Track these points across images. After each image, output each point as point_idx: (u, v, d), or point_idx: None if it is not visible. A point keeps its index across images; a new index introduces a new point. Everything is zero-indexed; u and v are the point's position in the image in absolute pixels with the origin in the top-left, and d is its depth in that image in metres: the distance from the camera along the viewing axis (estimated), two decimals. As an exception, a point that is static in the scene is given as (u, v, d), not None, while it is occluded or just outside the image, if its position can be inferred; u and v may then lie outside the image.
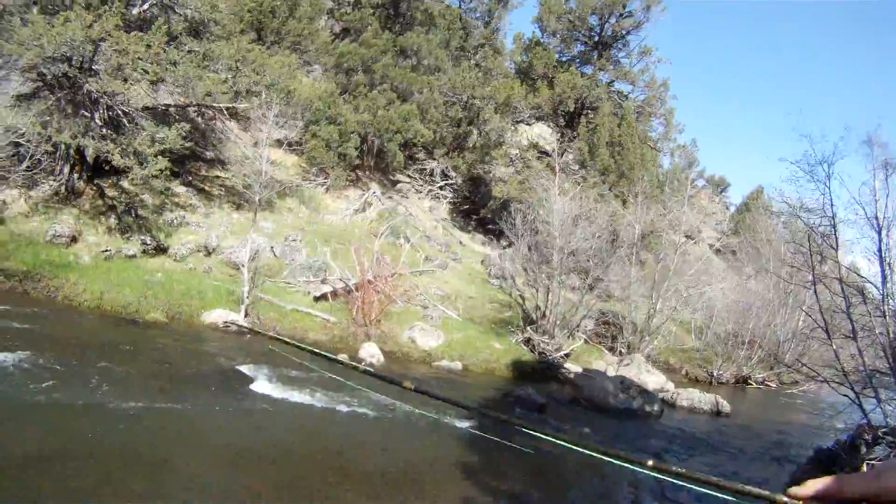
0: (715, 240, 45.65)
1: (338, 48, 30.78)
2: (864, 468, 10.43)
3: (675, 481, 1.24)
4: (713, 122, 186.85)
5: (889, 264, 12.01)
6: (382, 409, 13.98)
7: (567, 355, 23.59)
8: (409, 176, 34.26)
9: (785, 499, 1.04)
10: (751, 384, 30.32)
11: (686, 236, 32.88)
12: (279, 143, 24.04)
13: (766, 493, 1.09)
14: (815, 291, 13.96)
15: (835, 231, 13.07)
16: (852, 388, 12.51)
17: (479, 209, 35.19)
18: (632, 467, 1.26)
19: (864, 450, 11.32)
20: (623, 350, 26.94)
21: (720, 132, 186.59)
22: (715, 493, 1.23)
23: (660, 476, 1.23)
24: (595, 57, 41.60)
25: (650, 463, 1.22)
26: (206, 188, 23.58)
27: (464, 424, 14.12)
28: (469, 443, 13.37)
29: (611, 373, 22.08)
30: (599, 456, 1.45)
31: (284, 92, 24.22)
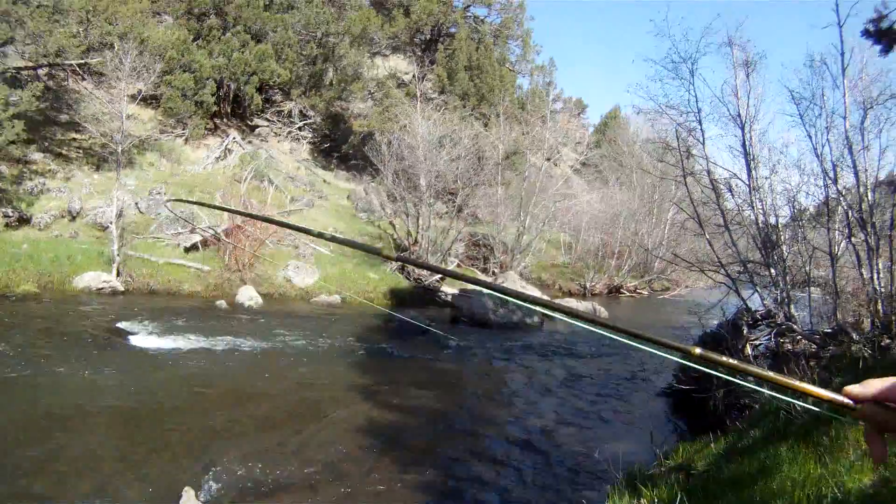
0: (575, 160, 47.01)
1: (189, -9, 30.02)
2: (749, 349, 11.45)
3: (717, 373, 1.12)
4: (570, 44, 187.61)
5: (753, 158, 12.54)
6: (264, 341, 14.52)
7: (442, 279, 24.36)
8: (267, 119, 34.04)
9: (842, 399, 0.93)
10: (623, 293, 31.89)
11: (547, 159, 33.99)
12: (134, 97, 23.84)
13: (820, 390, 0.97)
14: (686, 184, 13.88)
15: (701, 126, 13.33)
16: (728, 275, 12.99)
17: (340, 146, 35.42)
18: (674, 358, 1.13)
19: (745, 330, 12.06)
20: (496, 270, 28.08)
21: (577, 54, 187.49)
22: (758, 388, 1.08)
23: (704, 369, 1.09)
24: (451, -19, 41.74)
25: (697, 351, 1.03)
26: (64, 152, 23.14)
27: (348, 348, 14.80)
28: (361, 362, 14.01)
29: (486, 291, 22.72)
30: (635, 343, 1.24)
31: (138, 41, 23.89)
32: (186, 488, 6.67)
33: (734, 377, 1.11)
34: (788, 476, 4.96)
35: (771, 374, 1.01)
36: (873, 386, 0.89)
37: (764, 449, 5.96)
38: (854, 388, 0.90)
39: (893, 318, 9.07)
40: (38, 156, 22.01)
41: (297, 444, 8.83)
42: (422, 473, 8.35)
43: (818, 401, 0.98)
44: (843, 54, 10.66)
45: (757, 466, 5.63)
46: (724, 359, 1.06)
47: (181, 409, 9.87)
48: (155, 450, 8.24)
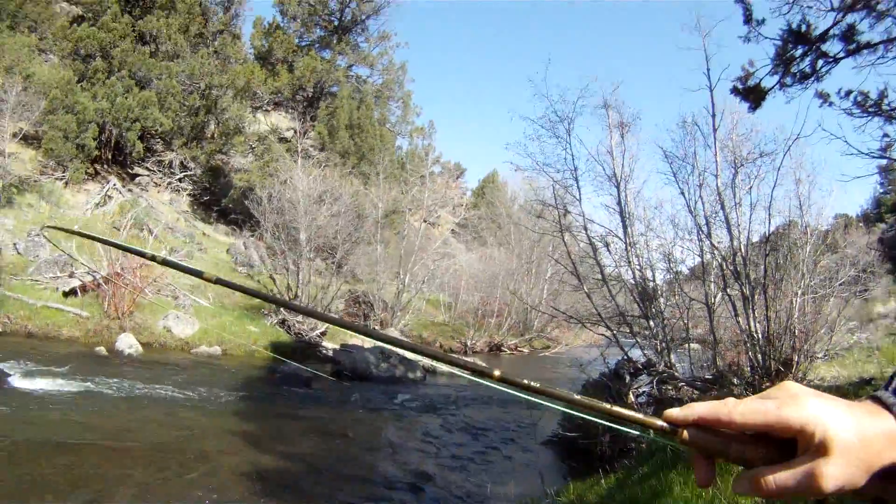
0: (453, 222, 48.10)
1: (76, 32, 29.65)
2: (631, 396, 11.95)
3: (529, 398, 1.08)
4: (450, 108, 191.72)
5: (629, 216, 13.04)
6: (146, 388, 14.36)
7: (323, 334, 24.66)
8: (147, 168, 33.71)
9: (661, 423, 0.90)
10: (504, 350, 32.34)
11: (425, 220, 34.90)
12: (15, 135, 23.48)
13: (640, 415, 0.94)
14: (564, 240, 14.24)
15: (577, 184, 13.69)
16: (609, 328, 13.33)
17: (220, 199, 35.38)
18: (481, 381, 1.08)
19: (627, 378, 12.53)
20: (377, 326, 28.26)
21: (456, 118, 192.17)
22: (583, 415, 1.01)
23: (508, 390, 1.05)
24: (335, 41, 42.44)
25: (497, 374, 1.00)
26: None
27: (231, 397, 14.91)
28: (245, 408, 14.16)
29: (367, 346, 22.69)
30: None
31: (24, 76, 23.58)
32: None
33: (566, 407, 1.05)
34: (680, 496, 5.52)
35: (594, 402, 0.99)
36: (694, 410, 0.88)
37: (655, 477, 6.50)
38: (674, 412, 0.90)
39: (771, 361, 9.66)
40: None
41: (181, 487, 8.81)
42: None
43: (642, 426, 0.97)
44: (713, 115, 11.54)
45: (648, 492, 6.06)
46: (526, 381, 1.04)
47: (61, 453, 9.58)
48: (31, 494, 8.03)
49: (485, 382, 1.15)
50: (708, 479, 0.92)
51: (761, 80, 11.36)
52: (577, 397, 1.00)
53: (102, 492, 8.14)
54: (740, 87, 11.46)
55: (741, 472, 0.87)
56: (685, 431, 0.89)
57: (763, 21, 10.98)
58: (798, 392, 0.85)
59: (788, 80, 11.10)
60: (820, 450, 0.80)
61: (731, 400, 0.89)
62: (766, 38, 10.99)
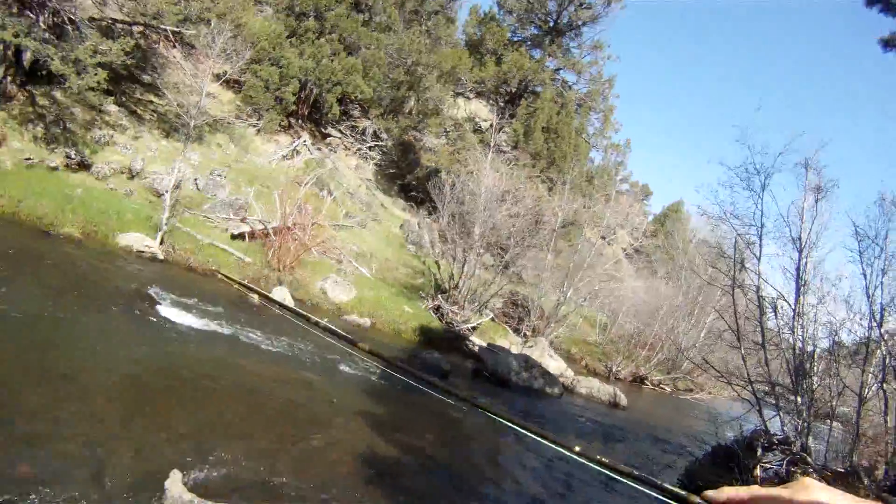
0: (629, 245, 46.70)
1: (293, -12, 30.22)
2: (758, 470, 11.17)
3: (596, 468, 1.23)
4: (647, 130, 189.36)
5: (804, 284, 12.44)
6: (287, 345, 14.18)
7: (474, 329, 24.01)
8: (340, 131, 34.07)
9: (699, 500, 1.05)
10: (647, 384, 31.03)
11: (602, 237, 33.72)
12: (218, 76, 23.79)
13: (683, 492, 1.14)
14: (734, 295, 13.94)
15: (760, 241, 13.28)
16: (754, 394, 12.84)
17: (404, 175, 35.23)
18: (560, 450, 1.15)
19: (759, 452, 11.75)
20: (528, 332, 27.59)
21: (651, 141, 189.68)
22: (630, 483, 1.27)
23: (584, 461, 1.25)
24: (547, 42, 42.04)
25: (577, 449, 1.22)
26: (139, 111, 23.13)
27: (366, 373, 14.51)
28: (379, 392, 13.70)
29: (514, 352, 22.32)
30: (532, 436, 1.29)
31: (234, 24, 24.01)
32: (175, 470, 6.45)
33: (608, 471, 1.38)
34: None
35: (634, 471, 1.40)
36: (725, 493, 1.00)
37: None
38: (710, 493, 1.01)
39: None
40: (113, 108, 21.96)
41: (294, 456, 8.55)
42: None
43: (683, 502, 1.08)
44: None
45: None
46: (599, 457, 1.47)
47: (190, 391, 9.62)
48: (154, 424, 7.99)
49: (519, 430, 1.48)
50: None
51: None
52: (632, 471, 1.26)
53: (222, 445, 7.97)
54: None
55: None
56: None
57: None
58: (813, 486, 0.96)
59: None
60: None
61: (755, 487, 1.03)
62: None
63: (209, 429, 8.36)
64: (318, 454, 8.90)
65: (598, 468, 1.15)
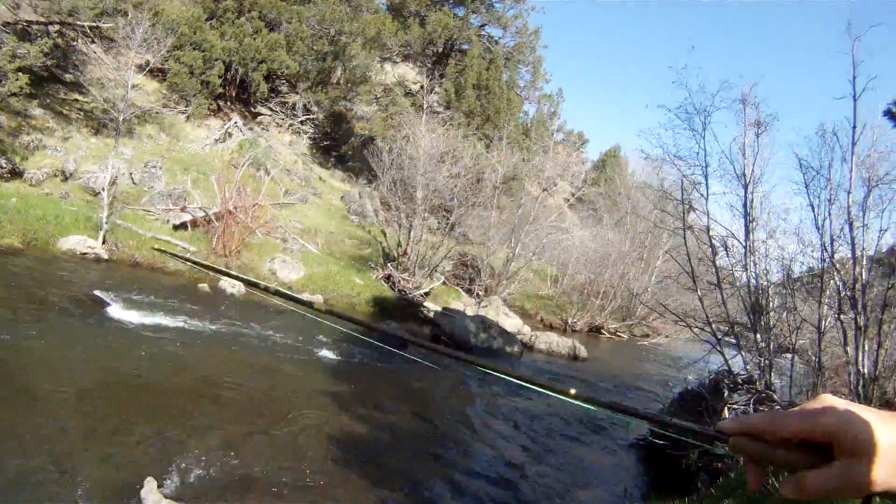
0: (570, 194, 47.08)
1: (208, -30, 29.66)
2: (726, 412, 11.23)
3: (600, 410, 1.26)
4: (576, 76, 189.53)
5: (753, 220, 12.57)
6: (243, 331, 14.22)
7: (427, 294, 24.22)
8: (270, 109, 33.71)
9: (714, 432, 1.01)
10: (603, 333, 31.40)
11: (543, 189, 33.97)
12: (141, 67, 23.37)
13: (696, 426, 1.10)
14: (685, 237, 14.00)
15: (706, 181, 13.40)
16: (714, 335, 13.00)
17: (339, 146, 35.04)
18: (557, 396, 1.29)
19: (726, 393, 11.89)
20: (481, 293, 27.86)
21: (583, 87, 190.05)
22: (639, 422, 1.27)
23: (585, 406, 1.24)
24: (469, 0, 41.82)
25: (573, 392, 1.21)
26: (65, 112, 22.58)
27: (324, 350, 14.59)
28: (342, 369, 13.75)
29: (470, 313, 22.58)
30: (525, 384, 1.48)
31: (152, 12, 23.62)
32: (149, 478, 6.50)
33: (616, 414, 1.22)
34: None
35: (653, 414, 1.21)
36: (742, 421, 0.97)
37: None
38: (725, 423, 0.99)
39: (874, 400, 9.19)
40: (38, 111, 21.44)
41: (265, 445, 8.62)
42: (386, 492, 8.21)
43: (698, 436, 1.09)
44: (854, 128, 10.65)
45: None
46: (602, 399, 1.22)
47: (152, 392, 9.55)
48: (121, 431, 7.93)
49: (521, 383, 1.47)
50: (757, 483, 1.01)
51: None
52: (639, 410, 1.18)
53: (192, 444, 7.98)
54: (894, 109, 10.31)
55: (786, 477, 0.94)
56: (735, 439, 0.98)
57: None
58: (833, 402, 0.92)
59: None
60: (855, 452, 0.85)
61: (775, 411, 1.03)
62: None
63: (177, 429, 8.32)
64: (289, 442, 8.93)
65: (601, 409, 1.23)
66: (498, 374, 1.52)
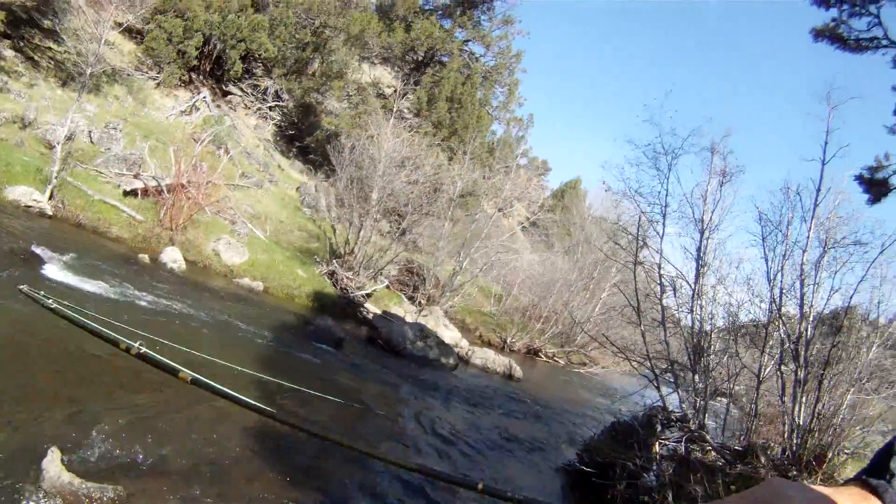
0: (525, 218, 47.57)
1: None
2: (657, 447, 11.52)
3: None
4: (548, 105, 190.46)
5: (704, 265, 12.73)
6: (178, 308, 14.05)
7: (368, 296, 24.31)
8: (241, 89, 33.58)
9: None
10: (541, 357, 31.76)
11: (499, 209, 34.36)
12: (119, 25, 23.26)
13: None
14: (635, 272, 13.88)
15: (664, 220, 13.49)
16: (653, 370, 13.04)
17: (304, 137, 35.07)
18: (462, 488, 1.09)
19: (659, 428, 12.09)
20: (423, 301, 28.04)
21: (553, 118, 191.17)
22: None
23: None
24: (458, 13, 42.10)
25: (479, 486, 1.02)
26: (37, 58, 22.35)
27: (258, 339, 14.32)
28: (268, 352, 13.59)
29: (409, 320, 22.74)
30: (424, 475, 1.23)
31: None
32: (53, 448, 6.13)
33: None
34: None
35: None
36: None
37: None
38: None
39: (804, 453, 9.29)
40: (10, 53, 21.25)
41: (182, 426, 8.35)
42: (302, 490, 8.04)
43: None
44: (818, 190, 11.01)
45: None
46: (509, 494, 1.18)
47: (72, 359, 9.31)
48: (30, 396, 7.67)
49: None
50: None
51: (889, 176, 10.74)
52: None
53: (106, 417, 7.64)
54: (867, 175, 10.83)
55: None
56: None
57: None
58: (783, 490, 0.88)
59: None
60: None
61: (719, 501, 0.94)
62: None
63: (93, 401, 8.08)
64: (208, 427, 8.68)
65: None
66: (389, 462, 1.48)
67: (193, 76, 30.41)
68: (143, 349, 4.24)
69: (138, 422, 7.90)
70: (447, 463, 11.37)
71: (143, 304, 13.52)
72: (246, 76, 33.50)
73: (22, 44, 22.12)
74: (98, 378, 9.03)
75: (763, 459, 9.67)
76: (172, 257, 18.13)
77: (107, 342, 5.69)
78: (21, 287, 6.39)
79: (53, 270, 13.03)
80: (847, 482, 0.93)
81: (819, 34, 11.68)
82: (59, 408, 7.60)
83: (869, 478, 0.89)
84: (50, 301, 5.75)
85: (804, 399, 9.93)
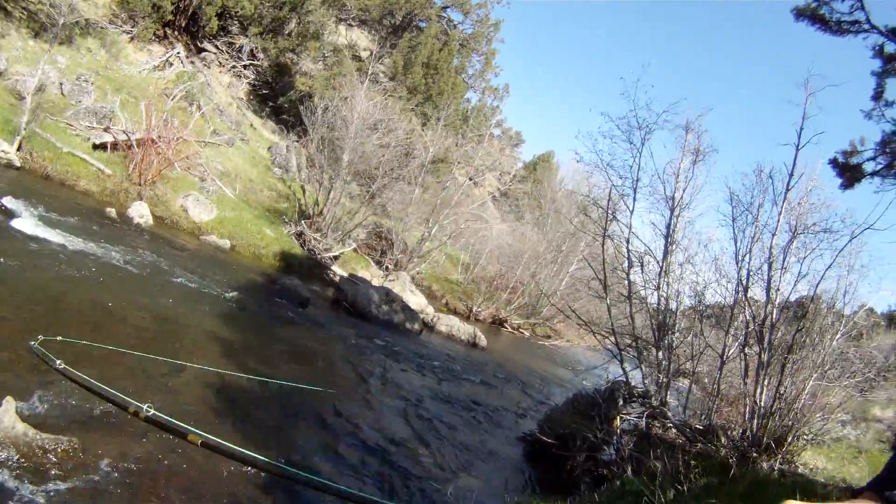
0: (496, 189, 47.81)
1: None
2: (618, 421, 11.84)
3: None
4: (524, 77, 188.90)
5: (672, 242, 12.77)
6: (145, 262, 14.29)
7: (336, 258, 24.54)
8: (216, 47, 33.22)
9: None
10: (506, 327, 32.09)
11: (470, 178, 34.54)
12: (94, -24, 23.08)
13: None
14: (603, 245, 14.04)
15: (634, 195, 13.45)
16: (617, 345, 13.07)
17: (277, 97, 34.91)
18: None
19: (620, 402, 12.34)
20: (390, 266, 28.20)
21: (528, 90, 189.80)
22: None
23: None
24: (439, -23, 41.95)
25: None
26: (9, 8, 21.99)
27: (223, 296, 14.73)
28: (231, 315, 13.75)
29: (376, 284, 22.85)
30: None
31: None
32: (8, 398, 6.07)
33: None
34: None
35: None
36: None
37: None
38: None
39: (764, 435, 9.39)
40: (-19, 1, 21.04)
41: (144, 383, 8.32)
42: (260, 445, 7.86)
43: None
44: (791, 175, 11.01)
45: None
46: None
47: (38, 310, 9.37)
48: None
49: None
50: None
51: (863, 162, 10.98)
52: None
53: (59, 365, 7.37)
54: (841, 160, 11.05)
55: None
56: None
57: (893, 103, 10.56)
58: None
59: (891, 173, 10.78)
60: None
61: None
62: (889, 121, 10.54)
63: (52, 351, 6.99)
64: (168, 383, 8.75)
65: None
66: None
67: (168, 31, 30.11)
68: (152, 411, 4.44)
69: (99, 378, 7.12)
70: (409, 429, 11.53)
71: (113, 257, 13.67)
72: (221, 33, 33.19)
73: (-6, -9, 21.83)
74: (65, 332, 8.25)
75: (724, 440, 9.84)
76: (140, 212, 18.23)
77: (115, 405, 5.81)
78: (32, 343, 6.47)
79: (22, 223, 13.08)
80: (857, 494, 0.94)
81: (801, 13, 11.84)
82: (23, 359, 7.55)
83: (883, 489, 0.89)
84: (59, 363, 5.89)
85: (766, 382, 9.99)
